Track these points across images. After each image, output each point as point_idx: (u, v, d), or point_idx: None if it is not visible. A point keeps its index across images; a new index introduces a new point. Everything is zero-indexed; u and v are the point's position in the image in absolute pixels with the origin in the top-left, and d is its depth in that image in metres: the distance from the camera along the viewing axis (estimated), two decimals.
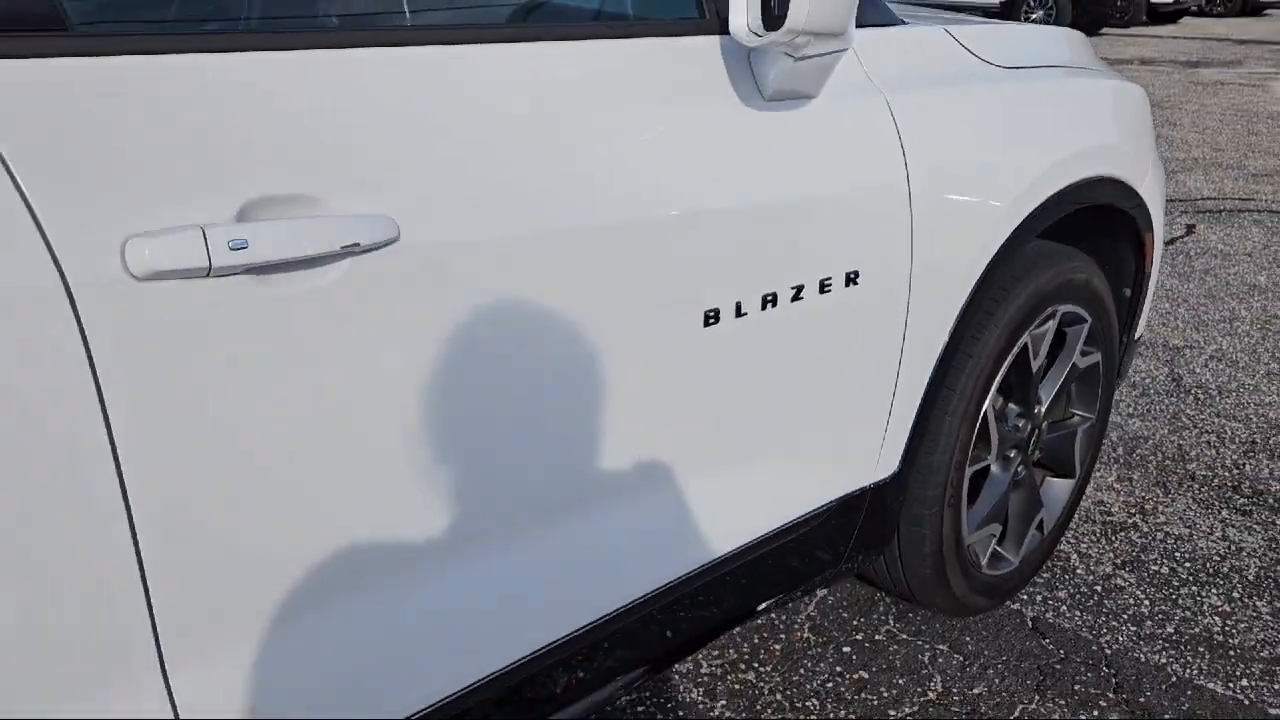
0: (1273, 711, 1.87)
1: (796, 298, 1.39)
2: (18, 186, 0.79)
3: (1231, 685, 1.93)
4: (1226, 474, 2.68)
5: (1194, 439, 2.87)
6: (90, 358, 0.81)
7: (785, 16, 1.15)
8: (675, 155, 1.25)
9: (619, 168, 1.19)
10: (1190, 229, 4.92)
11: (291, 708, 1.01)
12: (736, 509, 1.45)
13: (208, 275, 0.86)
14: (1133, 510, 2.51)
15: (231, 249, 0.86)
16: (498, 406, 1.10)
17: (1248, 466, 2.72)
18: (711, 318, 1.29)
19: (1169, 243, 4.67)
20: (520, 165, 1.09)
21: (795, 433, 1.50)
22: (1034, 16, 12.98)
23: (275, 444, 0.94)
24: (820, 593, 2.17)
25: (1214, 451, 2.80)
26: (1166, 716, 1.84)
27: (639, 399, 1.26)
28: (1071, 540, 2.37)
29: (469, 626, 1.14)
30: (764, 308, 1.35)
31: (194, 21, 1.17)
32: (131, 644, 0.91)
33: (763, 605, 1.59)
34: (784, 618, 2.10)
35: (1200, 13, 17.21)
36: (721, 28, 1.30)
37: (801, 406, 1.49)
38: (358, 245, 0.94)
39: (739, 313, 1.32)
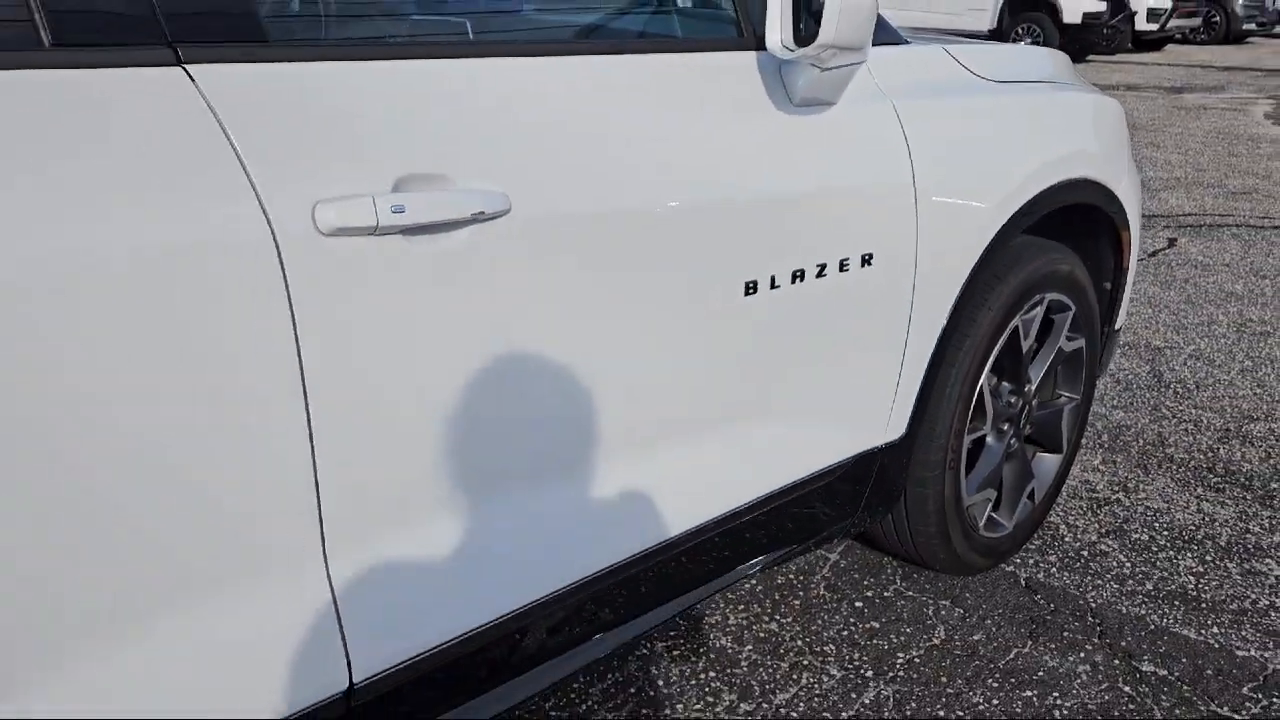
0: (1239, 653, 2.09)
1: (820, 274, 1.63)
2: (243, 166, 1.02)
3: (1203, 632, 2.16)
4: (1202, 457, 2.92)
5: (1173, 427, 3.11)
6: (288, 290, 1.04)
7: (817, 33, 1.39)
8: (721, 150, 1.49)
9: (677, 159, 1.43)
10: (1172, 242, 5.19)
11: (418, 592, 1.24)
12: (772, 456, 1.68)
13: (374, 233, 1.09)
14: (1116, 488, 2.74)
15: (392, 212, 1.09)
16: (584, 344, 1.33)
17: (1221, 450, 2.96)
18: (751, 288, 1.53)
19: (1152, 254, 4.93)
20: (600, 154, 1.33)
21: (817, 392, 1.74)
22: (1022, 43, 13.35)
23: (417, 366, 1.17)
24: (832, 557, 2.40)
25: (1191, 438, 3.04)
26: (1145, 657, 2.07)
27: (693, 355, 1.49)
28: (1060, 513, 2.60)
29: (569, 532, 1.38)
30: (793, 281, 1.59)
31: (361, 37, 1.42)
32: (303, 531, 1.13)
33: (791, 548, 1.82)
34: (801, 578, 2.32)
35: (1184, 40, 17.63)
36: (758, 45, 1.55)
37: (824, 369, 1.73)
38: (483, 213, 1.17)
39: (773, 285, 1.56)
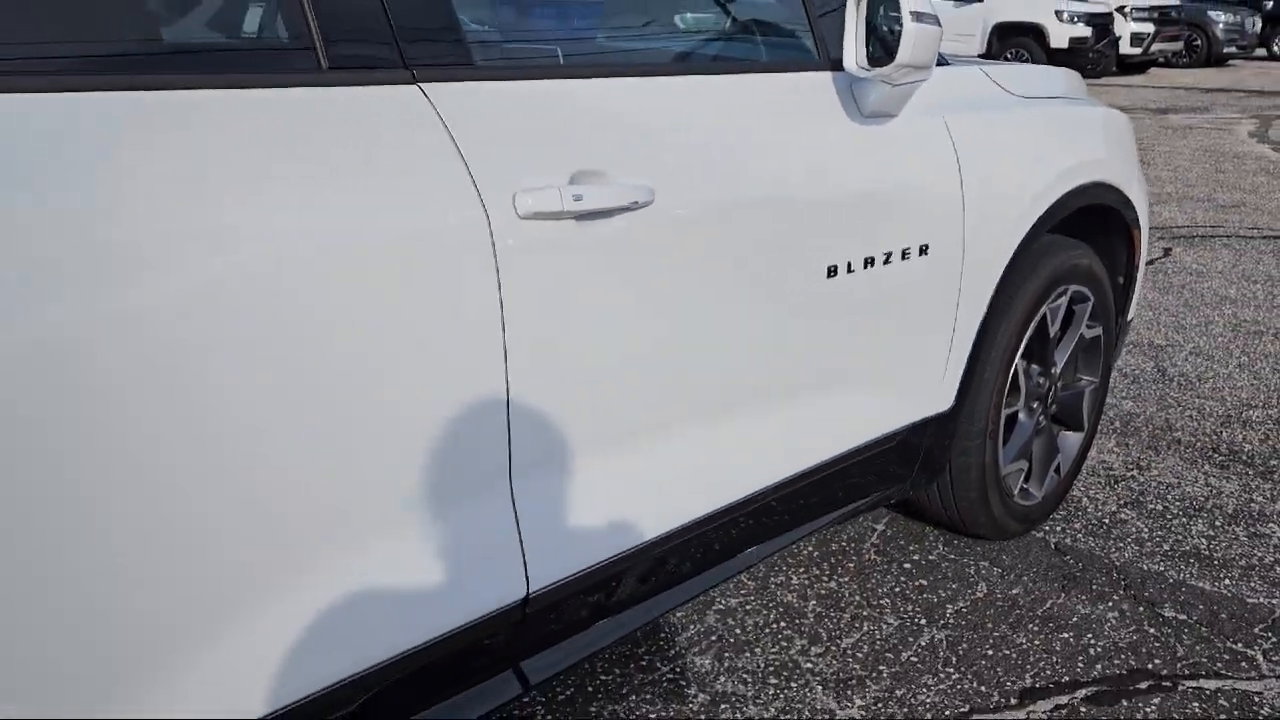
0: (1249, 600, 2.35)
1: (886, 261, 1.90)
2: (465, 162, 1.28)
3: (1217, 584, 2.42)
4: (1206, 439, 3.19)
5: (1178, 414, 3.38)
6: (496, 260, 1.30)
7: (885, 56, 1.67)
8: (807, 154, 1.76)
9: (774, 161, 1.70)
10: (1167, 251, 5.49)
11: (582, 517, 1.49)
12: (847, 420, 1.95)
13: (558, 217, 1.36)
14: (1130, 467, 3.01)
15: (573, 200, 1.35)
16: (705, 313, 1.60)
17: (1224, 433, 3.23)
18: (832, 271, 1.80)
19: (1150, 263, 5.22)
20: (719, 156, 1.60)
21: (882, 365, 2.00)
22: None
23: (584, 325, 1.43)
24: (879, 527, 2.65)
25: (1195, 423, 3.31)
26: (1166, 605, 2.33)
27: (788, 328, 1.76)
28: (1081, 488, 2.86)
29: (698, 474, 1.64)
30: (865, 267, 1.86)
31: (543, 61, 1.69)
32: (496, 460, 1.39)
33: (859, 502, 2.08)
34: (852, 545, 2.58)
35: (1167, 64, 18.09)
36: (833, 66, 1.82)
37: (888, 345, 1.99)
38: (636, 203, 1.44)
39: (849, 269, 1.83)
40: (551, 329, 1.39)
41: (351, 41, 1.24)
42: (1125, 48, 16.13)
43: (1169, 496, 2.83)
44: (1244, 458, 3.06)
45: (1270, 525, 2.68)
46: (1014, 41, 14.89)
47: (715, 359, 1.64)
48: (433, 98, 1.29)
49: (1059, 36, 14.75)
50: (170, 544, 1.09)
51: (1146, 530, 2.66)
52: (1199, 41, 18.22)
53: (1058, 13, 14.89)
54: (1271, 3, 19.94)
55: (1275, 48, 19.69)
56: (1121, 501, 2.80)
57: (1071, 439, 2.69)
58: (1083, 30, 14.97)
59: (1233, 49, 18.40)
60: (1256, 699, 2.04)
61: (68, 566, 1.01)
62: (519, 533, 1.44)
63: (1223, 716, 1.98)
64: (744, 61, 1.90)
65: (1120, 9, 16.04)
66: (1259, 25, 18.95)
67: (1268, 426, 3.28)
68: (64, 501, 1.00)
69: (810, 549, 2.56)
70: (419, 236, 1.24)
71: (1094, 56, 14.92)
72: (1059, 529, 2.66)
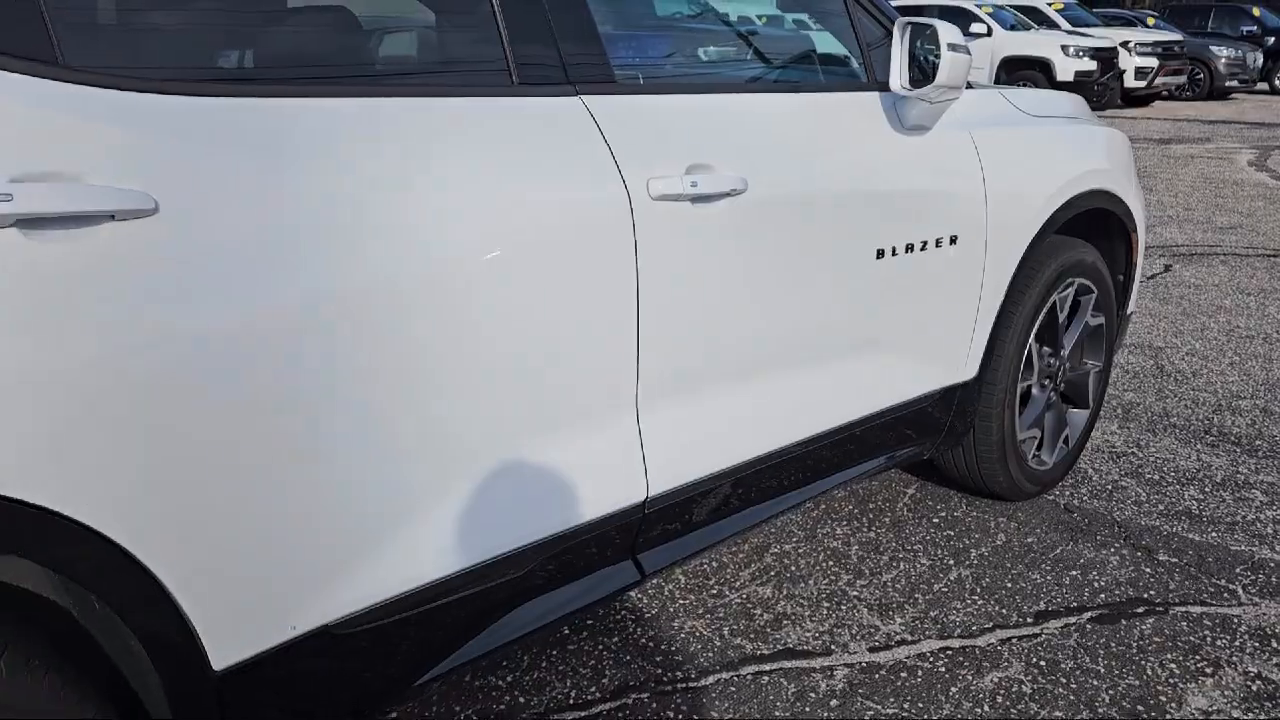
0: (1233, 548, 2.73)
1: (923, 248, 2.30)
2: (613, 156, 1.69)
3: (1205, 536, 2.79)
4: (1199, 424, 3.57)
5: (1175, 404, 3.76)
6: (634, 231, 1.70)
7: (924, 79, 2.08)
8: (860, 158, 2.17)
9: (834, 163, 2.10)
10: (1168, 267, 5.88)
11: (691, 437, 1.89)
12: (892, 380, 2.34)
13: (678, 199, 1.76)
14: (1131, 445, 3.39)
15: (691, 186, 1.76)
16: (781, 283, 1.99)
17: (1215, 419, 3.61)
18: (880, 254, 2.20)
19: (1151, 277, 5.62)
20: (793, 156, 2.01)
21: (920, 335, 2.40)
22: None
23: (694, 285, 1.82)
24: (909, 490, 3.04)
25: (1190, 411, 3.69)
26: (1160, 551, 2.71)
27: (844, 300, 2.15)
28: (1087, 461, 3.24)
29: (781, 409, 2.04)
30: (907, 251, 2.26)
31: (664, 79, 2.09)
32: (626, 389, 1.78)
33: (896, 452, 2.47)
34: (886, 504, 2.96)
35: (1170, 97, 18.55)
36: (880, 87, 2.23)
37: (924, 318, 2.39)
38: (735, 190, 1.84)
39: (893, 253, 2.23)
40: (671, 288, 1.79)
41: (533, 66, 1.65)
42: (1130, 81, 16.62)
43: (1165, 469, 3.21)
44: (1232, 439, 3.45)
45: (1253, 491, 3.06)
46: (1021, 74, 15.37)
47: (790, 319, 2.04)
48: (589, 106, 1.70)
49: (1065, 70, 15.23)
50: (426, 433, 1.49)
51: (1144, 495, 3.04)
52: (1202, 75, 18.69)
53: (1064, 47, 15.38)
54: (1272, 39, 20.43)
55: (1276, 82, 20.15)
56: (1123, 472, 3.18)
57: (1078, 415, 3.08)
58: (1088, 64, 15.45)
59: (1235, 83, 18.85)
60: (1235, 620, 2.41)
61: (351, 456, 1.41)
62: (642, 450, 1.83)
63: (1206, 633, 2.36)
64: (810, 83, 2.32)
65: (1125, 44, 16.54)
66: (1260, 60, 19.41)
67: (1254, 414, 3.66)
68: (360, 402, 1.40)
69: (850, 507, 2.95)
70: (583, 207, 1.64)
71: (1099, 89, 15.37)
72: (1068, 493, 3.04)
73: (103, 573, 1.20)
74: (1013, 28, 16.29)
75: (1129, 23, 20.08)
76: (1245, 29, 20.95)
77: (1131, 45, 16.68)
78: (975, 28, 15.52)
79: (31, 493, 1.11)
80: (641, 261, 1.72)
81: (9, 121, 1.13)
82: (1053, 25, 17.38)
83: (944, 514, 2.92)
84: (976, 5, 16.37)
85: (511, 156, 1.58)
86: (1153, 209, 7.65)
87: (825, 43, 2.31)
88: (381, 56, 1.65)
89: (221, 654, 1.33)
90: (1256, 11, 21.96)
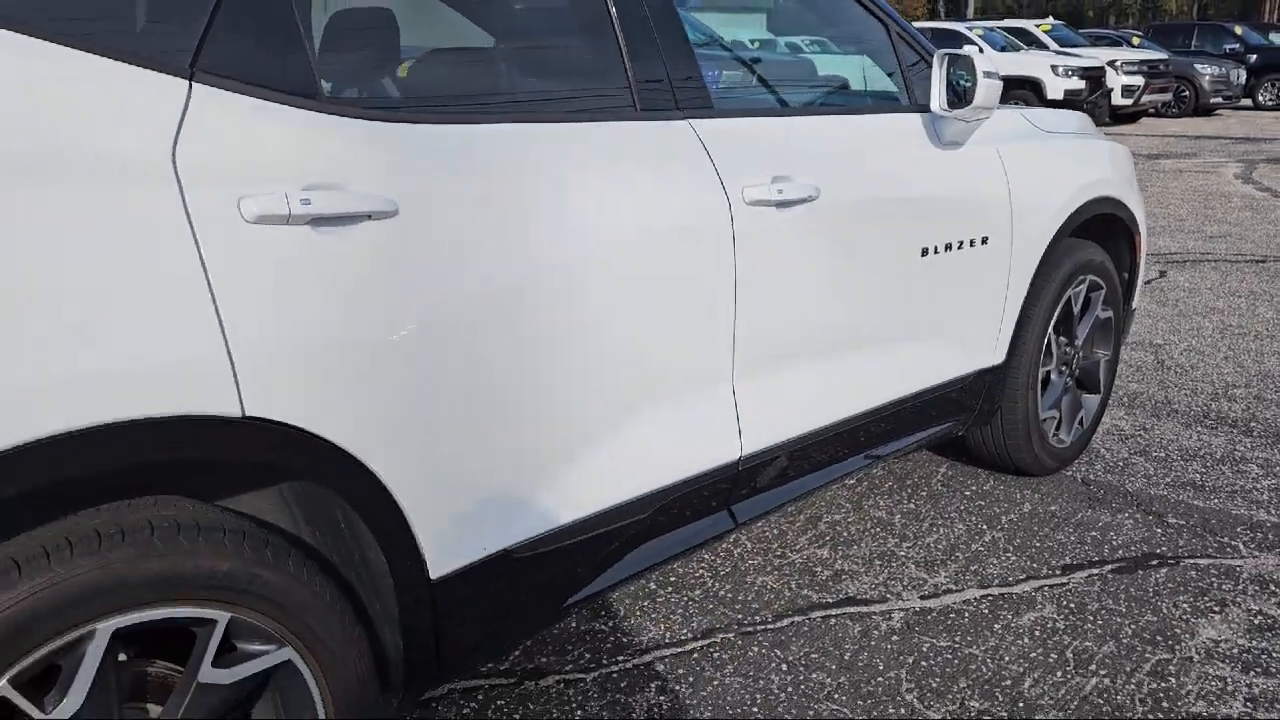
0: (1234, 512, 3.07)
1: (959, 247, 2.65)
2: (716, 170, 2.04)
3: (1208, 502, 3.14)
4: (1199, 410, 3.93)
5: (1175, 393, 4.12)
6: (734, 231, 2.05)
7: (973, 99, 2.44)
8: (906, 169, 2.52)
9: (886, 172, 2.46)
10: (1163, 273, 6.26)
11: (776, 407, 2.23)
12: (932, 363, 2.69)
13: (767, 204, 2.11)
14: (1138, 429, 3.74)
15: (778, 192, 2.11)
16: (845, 276, 2.34)
17: (1212, 405, 3.97)
18: (924, 252, 2.55)
19: (1148, 282, 5.99)
20: (852, 167, 2.36)
21: (956, 324, 2.75)
22: None
23: (776, 276, 2.17)
24: (941, 469, 3.38)
25: (1189, 399, 4.05)
26: (1169, 515, 3.05)
27: (896, 293, 2.50)
28: (1099, 443, 3.59)
29: (836, 389, 2.39)
30: (946, 250, 2.61)
31: (753, 105, 2.45)
32: (715, 366, 2.12)
33: (935, 429, 2.82)
34: (922, 480, 3.30)
35: (1157, 114, 19.05)
36: (920, 109, 2.59)
37: (960, 308, 2.74)
38: (811, 196, 2.19)
39: (935, 251, 2.58)
40: (761, 278, 2.13)
41: (651, 95, 2.00)
42: (1118, 99, 17.10)
43: (1170, 448, 3.56)
44: (1229, 421, 3.80)
45: (1250, 465, 3.41)
46: (1012, 94, 15.81)
47: (852, 307, 2.39)
48: (695, 128, 2.05)
49: (1054, 89, 15.71)
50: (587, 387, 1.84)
51: (1153, 469, 3.38)
52: (1187, 93, 19.19)
53: (1053, 67, 15.88)
54: (1254, 56, 20.97)
55: (1259, 98, 20.67)
56: (1132, 451, 3.53)
57: (1091, 399, 3.43)
58: (1076, 83, 15.94)
59: (1219, 99, 19.36)
60: (1238, 569, 2.75)
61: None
62: (738, 416, 2.18)
63: (1213, 579, 2.70)
64: (863, 106, 2.67)
65: (1112, 63, 17.03)
66: (1244, 77, 19.93)
67: (1248, 400, 4.02)
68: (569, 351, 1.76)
69: (890, 483, 3.29)
70: (694, 210, 1.99)
71: (1088, 107, 15.83)
72: (1084, 469, 3.39)
73: (367, 499, 1.54)
74: (1003, 49, 16.78)
75: (1115, 43, 20.61)
76: (1228, 47, 21.49)
77: (1118, 64, 17.18)
78: (967, 50, 15.99)
79: (320, 428, 1.45)
80: (738, 255, 2.07)
81: (296, 147, 1.48)
82: (1042, 46, 17.89)
83: (974, 488, 3.26)
84: (968, 28, 16.87)
85: (640, 169, 1.93)
86: (1145, 220, 8.03)
87: (873, 72, 2.67)
88: (548, 91, 2.00)
89: (437, 566, 1.66)
90: (1239, 30, 22.55)
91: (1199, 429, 3.74)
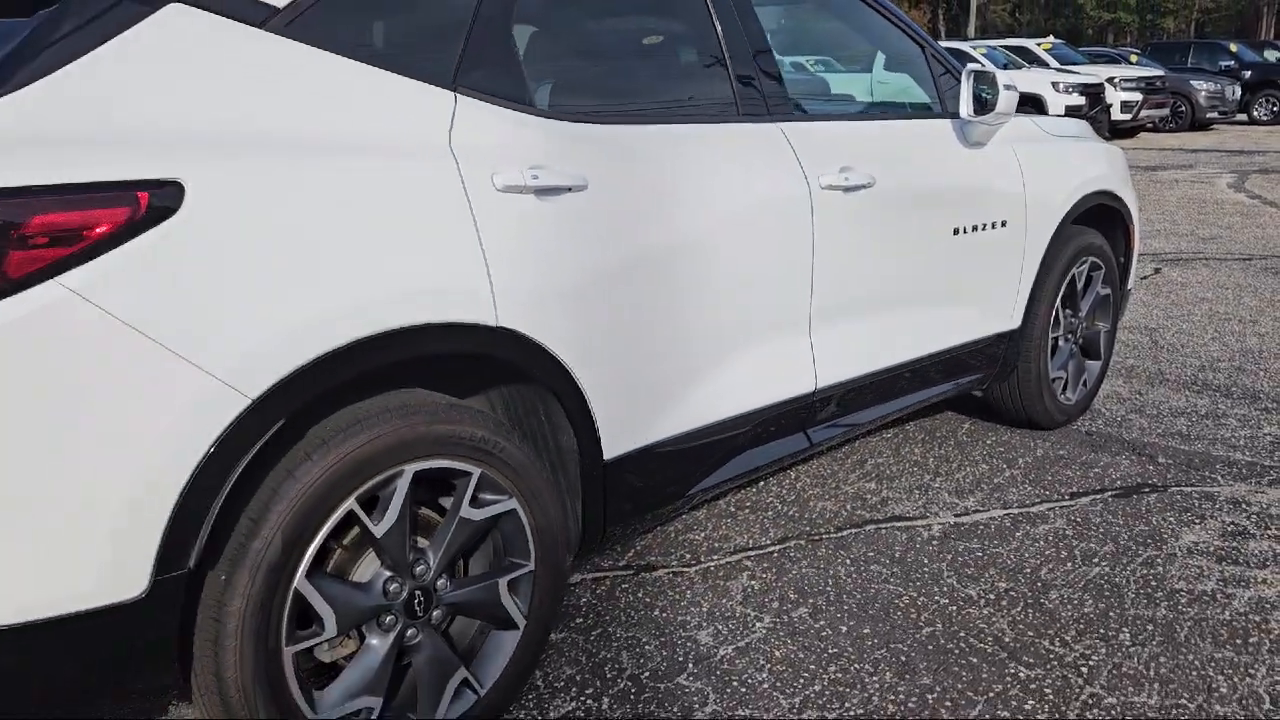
0: (1214, 454, 3.65)
1: (985, 228, 3.24)
2: (799, 161, 2.63)
3: (1192, 447, 3.71)
4: (1188, 379, 4.50)
5: (1168, 365, 4.70)
6: (812, 210, 2.63)
7: (995, 106, 3.04)
8: (939, 164, 3.12)
9: (924, 166, 3.05)
10: (1157, 270, 6.85)
11: (838, 352, 2.81)
12: (960, 325, 3.27)
13: (836, 189, 2.69)
14: (1133, 393, 4.32)
15: (845, 180, 2.70)
16: (894, 248, 2.93)
17: (1199, 376, 4.55)
18: (956, 231, 3.14)
19: (1144, 278, 6.58)
20: (898, 161, 2.95)
21: (980, 292, 3.33)
22: None
23: (840, 248, 2.75)
24: (965, 424, 3.96)
25: (1180, 370, 4.63)
26: (1159, 457, 3.63)
27: (933, 264, 3.09)
28: (1100, 404, 4.17)
29: (896, 338, 2.97)
30: (972, 230, 3.20)
31: (815, 112, 3.03)
32: (798, 316, 2.70)
33: (961, 381, 3.40)
34: (950, 433, 3.88)
35: (1155, 129, 19.68)
36: (951, 116, 3.19)
37: (984, 279, 3.32)
38: (870, 184, 2.78)
39: (964, 231, 3.17)
40: (832, 246, 2.72)
41: (749, 102, 2.60)
42: (1116, 114, 17.74)
43: (1161, 407, 4.14)
44: (1213, 387, 4.38)
45: (1229, 419, 3.99)
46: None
47: (901, 273, 2.98)
48: (782, 129, 2.64)
49: (1056, 105, 16.34)
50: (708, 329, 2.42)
51: (1146, 423, 3.96)
52: (1184, 108, 19.82)
53: (1054, 84, 16.52)
54: (1249, 73, 21.63)
55: (1254, 113, 21.31)
56: (1128, 410, 4.11)
57: (1093, 364, 4.01)
58: (1077, 99, 16.58)
59: (1215, 114, 19.99)
60: (1216, 494, 3.32)
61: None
62: (813, 354, 2.76)
63: (1194, 501, 3.27)
64: (905, 113, 3.27)
65: (1110, 80, 17.69)
66: (1238, 93, 20.56)
67: (1230, 371, 4.60)
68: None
69: (922, 435, 3.87)
70: (784, 193, 2.58)
71: (1088, 122, 16.45)
72: (1087, 424, 3.97)
73: (568, 396, 2.13)
74: (1005, 66, 17.41)
75: (1114, 60, 21.28)
76: (1223, 64, 22.15)
77: (1117, 81, 17.83)
78: (970, 68, 16.65)
79: (543, 339, 2.04)
80: (815, 228, 2.66)
81: (522, 138, 2.07)
82: (1043, 64, 18.55)
83: (994, 438, 3.84)
84: (971, 47, 17.52)
85: (745, 159, 2.52)
86: (1142, 224, 8.62)
87: (910, 86, 3.26)
88: (679, 101, 2.59)
89: (609, 450, 2.24)
90: (1234, 47, 23.22)
91: (1187, 393, 4.31)
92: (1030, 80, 16.70)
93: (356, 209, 1.78)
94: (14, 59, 1.59)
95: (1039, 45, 19.47)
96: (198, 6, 1.73)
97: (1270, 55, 24.03)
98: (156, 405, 1.57)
